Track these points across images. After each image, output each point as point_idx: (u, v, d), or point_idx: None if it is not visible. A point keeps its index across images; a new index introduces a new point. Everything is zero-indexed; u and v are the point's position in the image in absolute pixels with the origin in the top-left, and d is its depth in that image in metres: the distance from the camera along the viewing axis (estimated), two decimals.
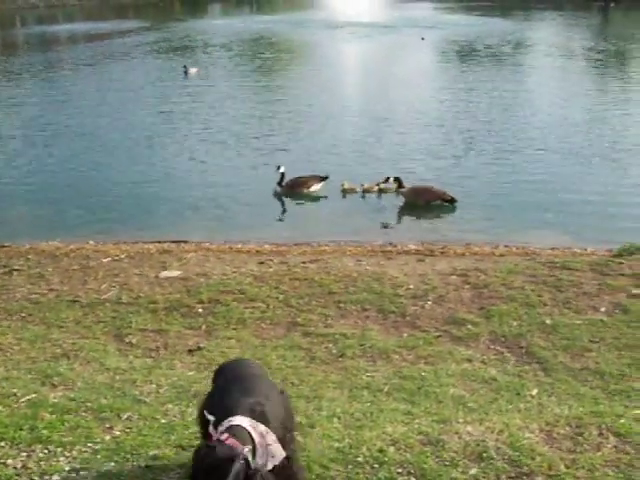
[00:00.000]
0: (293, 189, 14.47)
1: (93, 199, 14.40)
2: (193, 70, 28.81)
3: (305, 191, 14.47)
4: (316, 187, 14.52)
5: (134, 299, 8.70)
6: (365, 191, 14.34)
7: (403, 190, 13.70)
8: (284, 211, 14.10)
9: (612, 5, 68.67)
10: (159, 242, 11.56)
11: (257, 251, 10.77)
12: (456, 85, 26.49)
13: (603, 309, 7.91)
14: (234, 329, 7.74)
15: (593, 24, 57.10)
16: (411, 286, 8.70)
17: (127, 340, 7.58)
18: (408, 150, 17.06)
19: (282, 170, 14.33)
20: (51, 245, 11.45)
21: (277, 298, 8.48)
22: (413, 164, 15.78)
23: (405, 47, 39.33)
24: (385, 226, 12.79)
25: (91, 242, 11.73)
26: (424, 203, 13.59)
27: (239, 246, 11.17)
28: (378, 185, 14.29)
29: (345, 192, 14.32)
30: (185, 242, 11.58)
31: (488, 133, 18.60)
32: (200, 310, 8.26)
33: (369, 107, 22.72)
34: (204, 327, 7.83)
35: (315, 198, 14.51)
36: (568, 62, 34.13)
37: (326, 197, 14.41)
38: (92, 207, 13.98)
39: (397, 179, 13.71)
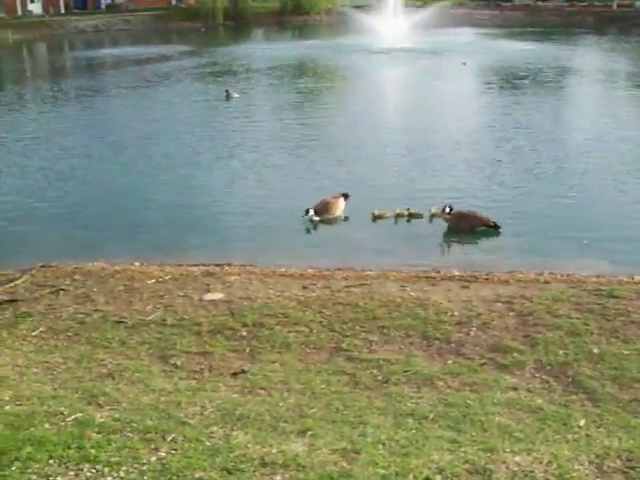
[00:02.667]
0: (325, 214, 14.30)
1: (138, 220, 14.59)
2: (235, 95, 29.12)
3: (338, 214, 14.43)
4: (342, 206, 14.50)
5: (178, 321, 8.78)
6: (397, 216, 14.28)
7: (448, 216, 13.64)
8: (323, 236, 13.97)
9: None
10: (203, 265, 11.64)
11: (300, 275, 10.79)
12: (498, 111, 26.38)
13: None
14: (278, 353, 7.76)
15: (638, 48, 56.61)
16: (455, 312, 8.65)
17: (172, 362, 7.65)
18: (449, 176, 16.96)
19: (311, 214, 14.11)
20: (97, 266, 11.60)
21: (321, 322, 8.49)
22: (454, 190, 15.65)
23: (446, 72, 39.31)
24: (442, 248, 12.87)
25: (136, 263, 11.86)
26: (468, 228, 13.51)
27: (282, 270, 11.19)
28: (409, 210, 14.22)
29: (376, 219, 14.26)
30: (229, 265, 11.64)
31: (531, 160, 18.46)
32: (244, 333, 8.31)
33: (408, 133, 22.65)
34: (248, 350, 7.87)
35: (348, 224, 14.44)
36: (613, 88, 33.90)
37: (358, 223, 14.31)
38: (137, 228, 14.15)
39: (451, 207, 13.63)
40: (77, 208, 15.44)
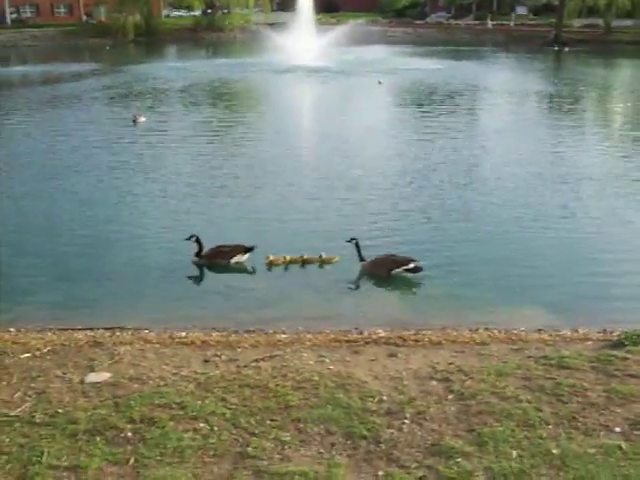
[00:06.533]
0: (214, 259, 13.08)
1: (19, 271, 12.77)
2: (141, 119, 27.47)
3: (227, 262, 13.04)
4: (240, 258, 13.11)
5: (51, 416, 7.11)
6: (290, 262, 12.91)
7: (363, 263, 12.34)
8: (225, 286, 12.50)
9: (566, 50, 69.50)
10: (90, 329, 10.01)
11: (202, 342, 9.23)
12: (414, 134, 25.46)
13: (618, 429, 6.51)
14: (169, 464, 6.18)
15: (548, 67, 57.23)
16: (384, 396, 7.23)
17: None
18: (363, 213, 15.56)
19: (194, 240, 13.03)
20: None
21: (224, 415, 6.96)
22: (368, 233, 14.03)
23: (361, 91, 38.45)
24: None
25: (12, 330, 10.13)
26: (386, 274, 12.15)
27: (182, 334, 9.64)
28: (302, 257, 12.90)
29: (270, 265, 12.92)
30: (120, 329, 10.03)
31: (450, 190, 17.37)
32: (129, 434, 6.69)
33: (322, 162, 21.24)
34: (132, 461, 6.27)
35: (243, 271, 13.06)
36: (526, 104, 33.81)
37: (253, 270, 13.02)
38: (17, 281, 12.34)
39: (357, 243, 12.37)
40: None
